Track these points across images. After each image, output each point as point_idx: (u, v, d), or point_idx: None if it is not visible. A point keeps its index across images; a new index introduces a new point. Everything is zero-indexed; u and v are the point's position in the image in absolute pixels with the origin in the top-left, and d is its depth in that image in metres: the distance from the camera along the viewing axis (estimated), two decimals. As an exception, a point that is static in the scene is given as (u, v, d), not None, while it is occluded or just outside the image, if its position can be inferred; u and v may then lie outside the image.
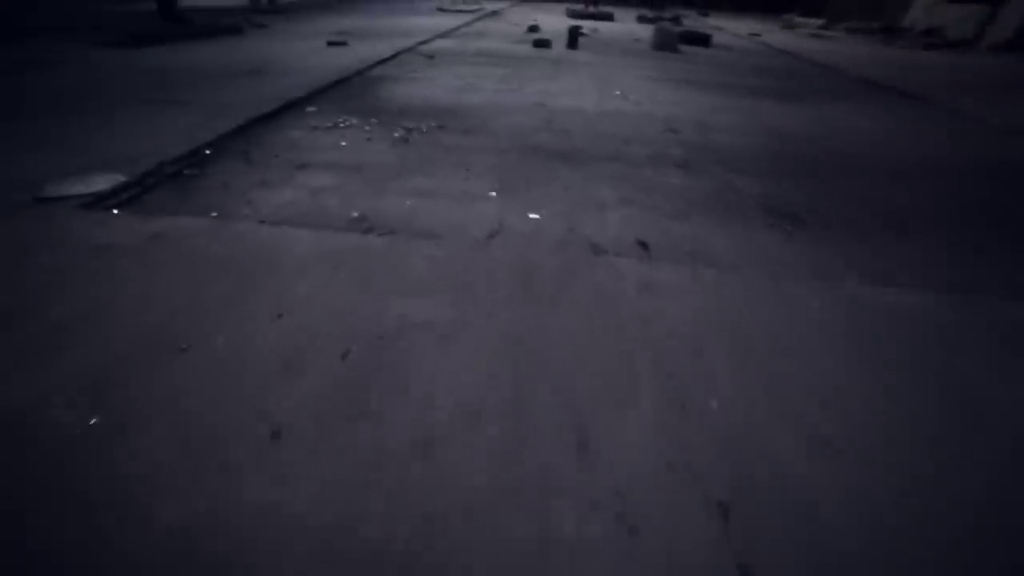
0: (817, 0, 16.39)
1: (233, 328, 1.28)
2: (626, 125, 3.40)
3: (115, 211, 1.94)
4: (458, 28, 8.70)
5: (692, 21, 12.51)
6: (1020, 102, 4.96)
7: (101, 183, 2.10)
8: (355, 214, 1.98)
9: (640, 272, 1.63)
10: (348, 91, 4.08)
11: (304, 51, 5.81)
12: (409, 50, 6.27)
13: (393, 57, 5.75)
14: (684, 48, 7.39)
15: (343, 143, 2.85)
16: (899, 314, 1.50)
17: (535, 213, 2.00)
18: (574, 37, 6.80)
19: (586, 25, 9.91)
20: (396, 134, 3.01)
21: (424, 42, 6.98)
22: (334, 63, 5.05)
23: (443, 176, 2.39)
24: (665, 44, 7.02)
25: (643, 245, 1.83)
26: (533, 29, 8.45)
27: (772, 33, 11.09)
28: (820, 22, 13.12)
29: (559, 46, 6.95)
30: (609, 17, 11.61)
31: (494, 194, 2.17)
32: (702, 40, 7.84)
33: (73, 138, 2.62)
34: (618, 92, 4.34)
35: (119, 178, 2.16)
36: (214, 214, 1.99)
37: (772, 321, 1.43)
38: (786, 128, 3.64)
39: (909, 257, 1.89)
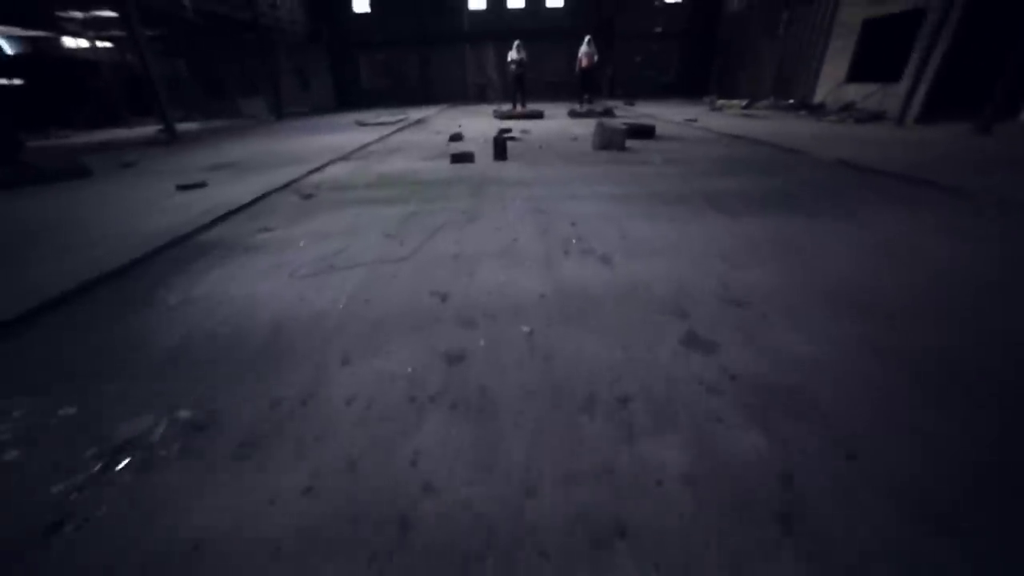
0: (729, 82, 17.39)
1: None
2: (607, 336, 1.75)
3: None
4: (368, 145, 7.48)
5: (622, 111, 12.32)
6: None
7: None
8: None
9: None
10: (120, 293, 2.30)
11: (138, 202, 4.20)
12: (287, 186, 4.74)
13: (257, 201, 4.15)
14: (630, 143, 6.39)
15: None
16: None
17: None
18: (501, 146, 5.59)
19: (516, 127, 9.09)
20: (57, 488, 1.17)
21: (316, 170, 5.53)
22: (156, 224, 3.38)
23: None
24: (611, 142, 5.97)
25: None
26: (455, 138, 7.35)
27: (705, 116, 10.84)
28: (743, 102, 13.39)
29: (485, 157, 5.70)
30: (539, 115, 11.07)
31: None
32: (648, 132, 6.96)
33: None
34: (574, 239, 2.81)
35: None
36: None
37: None
38: (864, 286, 2.13)
39: None
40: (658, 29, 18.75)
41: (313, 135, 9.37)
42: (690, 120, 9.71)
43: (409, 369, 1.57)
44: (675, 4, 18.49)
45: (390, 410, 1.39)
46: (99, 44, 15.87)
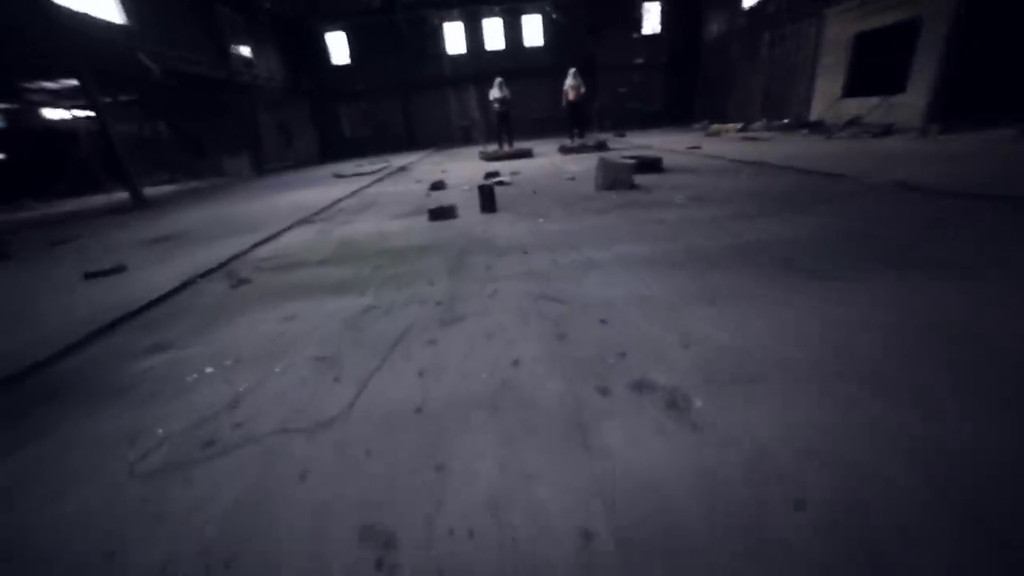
0: (716, 107, 17.03)
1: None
2: None
3: None
4: (339, 201, 6.60)
5: (616, 143, 11.68)
6: None
7: None
8: None
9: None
10: None
11: (20, 300, 3.32)
12: (225, 264, 3.76)
13: (173, 293, 3.16)
14: (638, 179, 5.52)
15: None
16: None
17: None
18: (489, 195, 4.69)
19: (504, 168, 8.29)
20: None
21: (269, 239, 4.59)
22: (7, 343, 2.36)
23: None
24: (617, 180, 5.08)
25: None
26: (437, 187, 6.49)
27: (705, 143, 10.15)
28: (738, 126, 12.83)
29: (470, 209, 4.77)
30: (528, 154, 10.36)
31: None
32: (655, 165, 6.11)
33: None
34: (611, 355, 1.78)
35: None
36: None
37: None
38: None
39: None
40: (639, 60, 18.62)
41: (284, 192, 8.56)
42: (693, 147, 8.96)
43: None
44: (655, 35, 18.44)
45: None
46: (78, 113, 15.53)
